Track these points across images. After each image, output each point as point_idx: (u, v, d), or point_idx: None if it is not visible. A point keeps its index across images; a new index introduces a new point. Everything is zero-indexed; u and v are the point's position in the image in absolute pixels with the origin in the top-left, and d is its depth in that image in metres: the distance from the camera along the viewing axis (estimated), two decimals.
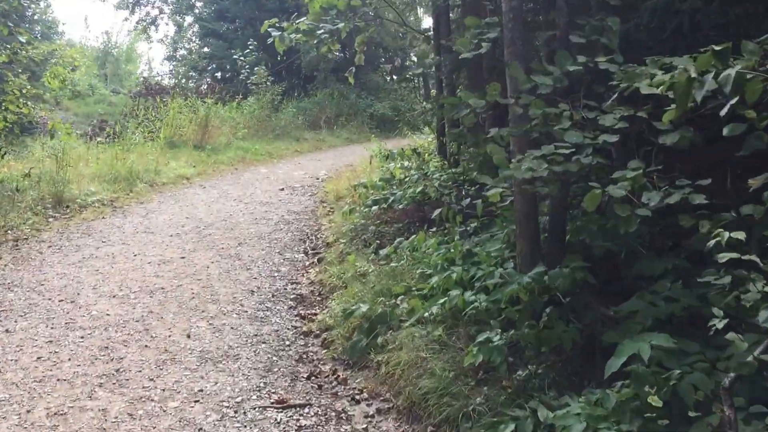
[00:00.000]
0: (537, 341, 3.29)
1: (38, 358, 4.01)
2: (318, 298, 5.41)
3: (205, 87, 17.61)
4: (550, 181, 3.06)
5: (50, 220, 7.59)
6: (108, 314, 4.75)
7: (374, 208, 6.93)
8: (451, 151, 8.02)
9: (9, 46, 10.17)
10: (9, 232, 6.91)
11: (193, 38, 22.81)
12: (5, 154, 9.80)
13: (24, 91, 10.55)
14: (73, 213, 7.93)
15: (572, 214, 3.90)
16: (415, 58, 23.69)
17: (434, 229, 5.92)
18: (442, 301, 3.84)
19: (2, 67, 10.27)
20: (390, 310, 4.35)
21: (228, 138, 13.80)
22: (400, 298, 4.61)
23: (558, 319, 3.31)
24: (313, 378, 3.93)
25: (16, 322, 4.56)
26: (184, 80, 20.64)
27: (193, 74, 21.48)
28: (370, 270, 5.38)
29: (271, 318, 4.90)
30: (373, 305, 4.42)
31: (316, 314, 5.03)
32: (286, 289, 5.61)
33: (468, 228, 5.44)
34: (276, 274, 5.96)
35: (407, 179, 7.67)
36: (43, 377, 3.75)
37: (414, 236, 5.38)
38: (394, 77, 23.22)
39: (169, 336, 4.40)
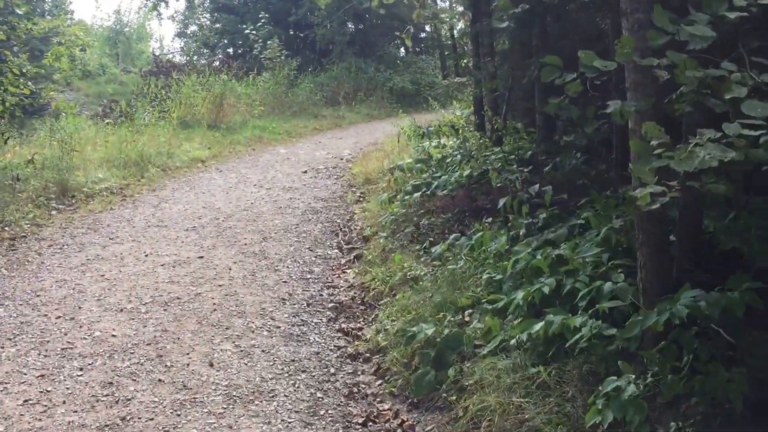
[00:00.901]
0: (686, 391, 2.43)
1: (26, 401, 3.20)
2: (361, 308, 4.57)
3: (218, 63, 16.67)
4: (720, 173, 2.16)
5: (53, 212, 6.79)
6: (114, 335, 3.94)
7: (416, 195, 6.06)
8: (497, 127, 7.10)
9: (6, 21, 9.29)
10: (6, 228, 6.12)
11: (205, 13, 21.81)
12: (8, 138, 9.00)
13: (25, 70, 9.69)
14: (78, 204, 7.14)
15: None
16: (428, 29, 22.47)
17: (490, 219, 5.05)
18: (538, 327, 2.96)
19: (0, 45, 9.41)
20: (459, 331, 3.49)
21: (243, 116, 12.91)
22: (467, 312, 3.76)
23: (712, 360, 2.44)
24: (370, 424, 3.10)
25: (2, 348, 3.76)
26: (195, 57, 19.72)
27: (205, 50, 20.54)
28: (423, 273, 4.53)
29: (308, 335, 4.07)
30: (437, 325, 3.57)
31: (361, 329, 4.20)
32: (321, 295, 4.78)
33: (536, 220, 4.57)
34: (309, 276, 5.12)
35: (450, 160, 6.77)
36: (29, 430, 2.96)
37: (480, 234, 4.49)
38: (410, 49, 22.03)
39: (188, 365, 3.58)
